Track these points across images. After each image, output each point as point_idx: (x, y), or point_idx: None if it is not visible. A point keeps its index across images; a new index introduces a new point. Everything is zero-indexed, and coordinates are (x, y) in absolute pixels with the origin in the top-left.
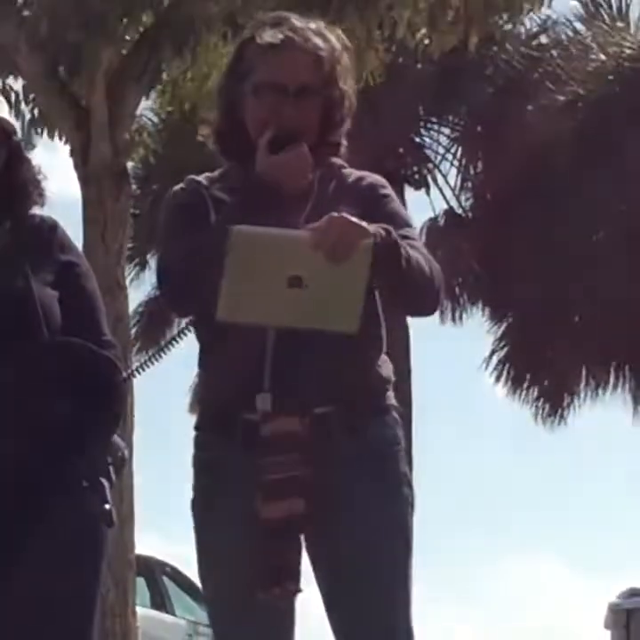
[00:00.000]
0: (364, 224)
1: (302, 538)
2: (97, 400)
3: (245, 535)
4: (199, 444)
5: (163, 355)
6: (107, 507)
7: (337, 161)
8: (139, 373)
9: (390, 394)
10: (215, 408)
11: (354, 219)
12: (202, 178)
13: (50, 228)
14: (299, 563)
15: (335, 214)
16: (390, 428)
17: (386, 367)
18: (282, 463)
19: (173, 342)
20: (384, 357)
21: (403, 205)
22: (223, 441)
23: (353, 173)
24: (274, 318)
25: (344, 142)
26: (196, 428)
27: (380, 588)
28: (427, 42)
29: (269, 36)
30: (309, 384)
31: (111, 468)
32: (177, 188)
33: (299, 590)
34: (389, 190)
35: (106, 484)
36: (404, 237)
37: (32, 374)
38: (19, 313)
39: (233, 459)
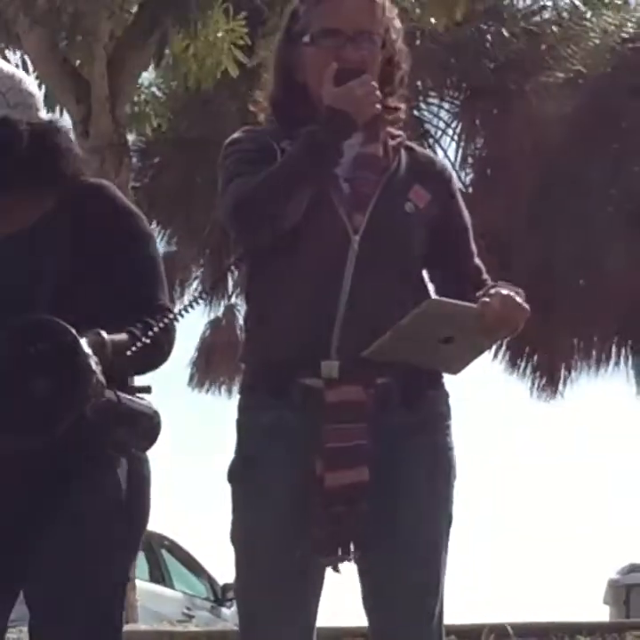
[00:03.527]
0: (525, 307)
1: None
2: (76, 380)
3: (297, 501)
4: (249, 406)
5: (203, 299)
6: (107, 478)
7: (395, 131)
8: (182, 316)
9: None
10: (274, 370)
11: (522, 302)
12: (259, 129)
13: (98, 193)
14: (363, 529)
15: (511, 295)
16: (443, 402)
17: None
18: (349, 431)
19: (179, 316)
20: None
21: None
22: (281, 404)
23: (417, 149)
24: (412, 360)
25: (402, 106)
26: (248, 387)
27: (417, 563)
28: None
29: None
30: None
31: (133, 440)
32: (235, 135)
33: (359, 555)
34: (455, 181)
35: (117, 456)
36: (474, 255)
37: (19, 355)
38: (26, 288)
39: (290, 423)
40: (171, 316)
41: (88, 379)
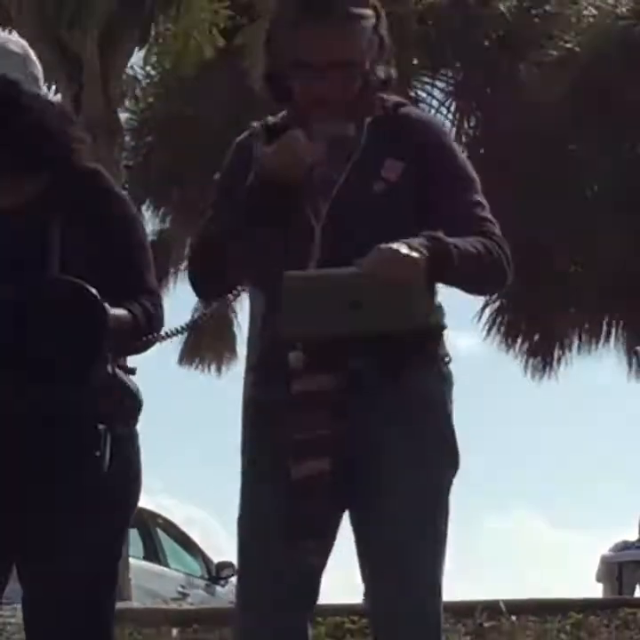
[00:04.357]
0: (410, 254)
1: (332, 495)
2: (87, 342)
3: (279, 490)
4: (250, 383)
5: (195, 326)
6: (97, 454)
7: (392, 100)
8: (166, 338)
9: (437, 343)
10: (261, 357)
11: (402, 249)
12: (260, 126)
13: (91, 175)
14: (325, 521)
15: (382, 249)
16: (430, 380)
17: (434, 314)
18: (311, 422)
19: (200, 319)
20: (436, 304)
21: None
22: (267, 389)
23: (409, 115)
24: (339, 330)
25: (393, 73)
26: (249, 369)
27: (408, 557)
28: None
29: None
30: (342, 339)
31: (119, 415)
32: (238, 139)
33: (323, 548)
34: (447, 138)
35: (103, 429)
36: (472, 204)
37: (25, 315)
38: (36, 263)
39: (274, 409)
40: (167, 331)
41: (109, 327)
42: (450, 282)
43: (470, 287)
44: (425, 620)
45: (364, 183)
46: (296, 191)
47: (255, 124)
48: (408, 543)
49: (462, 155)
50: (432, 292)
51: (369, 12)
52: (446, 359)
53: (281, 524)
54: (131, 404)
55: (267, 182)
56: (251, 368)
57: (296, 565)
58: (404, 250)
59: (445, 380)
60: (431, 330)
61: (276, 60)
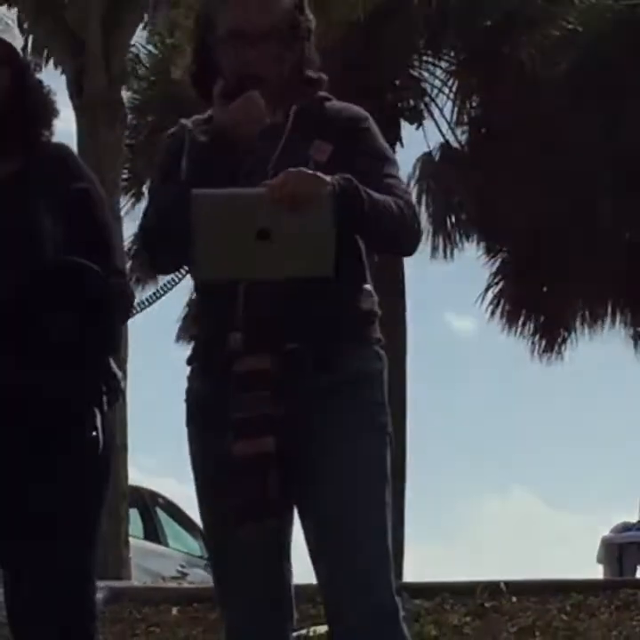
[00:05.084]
0: (320, 174)
1: (278, 474)
2: (94, 322)
3: (221, 471)
4: (189, 377)
5: (162, 296)
6: (94, 434)
7: (320, 94)
8: (139, 311)
9: (371, 328)
10: (199, 344)
11: (309, 171)
12: (189, 121)
13: (62, 155)
14: (273, 499)
15: (291, 169)
16: (367, 360)
17: (366, 300)
18: (252, 401)
19: (170, 285)
20: (366, 290)
21: (397, 138)
22: (206, 377)
23: (334, 106)
24: (250, 272)
25: (323, 76)
26: (187, 361)
27: (354, 529)
28: None
29: None
30: (279, 321)
31: (105, 398)
32: (169, 132)
33: (275, 525)
34: (370, 123)
35: (96, 411)
36: (387, 176)
37: (31, 294)
38: (20, 240)
39: (213, 396)
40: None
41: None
42: (359, 227)
43: (379, 240)
44: (372, 591)
45: (296, 164)
46: (246, 149)
47: (183, 120)
48: (351, 516)
49: (382, 138)
50: (339, 240)
51: None
52: (381, 343)
53: (226, 505)
54: (116, 385)
55: (220, 137)
56: (188, 361)
57: (257, 544)
58: (311, 171)
59: (381, 360)
60: (363, 313)
61: (207, 39)
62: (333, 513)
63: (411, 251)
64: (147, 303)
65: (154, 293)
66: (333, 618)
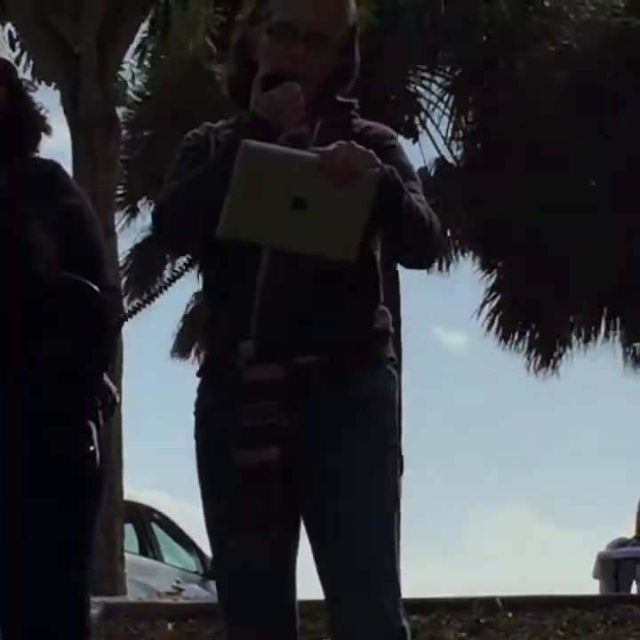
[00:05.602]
0: (371, 152)
1: (283, 485)
2: (91, 338)
3: (225, 482)
4: (198, 388)
5: (154, 300)
6: (91, 449)
7: (347, 110)
8: (130, 317)
9: (385, 347)
10: (210, 354)
11: (362, 148)
12: (216, 124)
13: (52, 171)
14: (274, 511)
15: (343, 142)
16: (381, 380)
17: (381, 319)
18: (258, 410)
19: (165, 288)
20: (381, 309)
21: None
22: (215, 387)
23: (361, 123)
24: (274, 239)
25: (354, 101)
26: (197, 373)
27: (366, 549)
28: None
29: None
30: (293, 333)
31: (100, 412)
32: (189, 133)
33: (277, 538)
34: (396, 142)
35: (92, 426)
36: (410, 190)
37: (28, 310)
38: (14, 255)
39: (221, 405)
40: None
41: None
42: (391, 220)
43: (404, 240)
44: (385, 618)
45: None
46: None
47: (209, 123)
48: (365, 543)
49: (407, 157)
50: (369, 231)
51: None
52: (393, 362)
53: (243, 517)
54: (111, 400)
55: (256, 122)
56: (198, 372)
57: (261, 554)
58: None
59: (393, 380)
60: (378, 332)
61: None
62: (346, 529)
63: (427, 263)
64: (138, 308)
65: (145, 299)
66: (342, 634)
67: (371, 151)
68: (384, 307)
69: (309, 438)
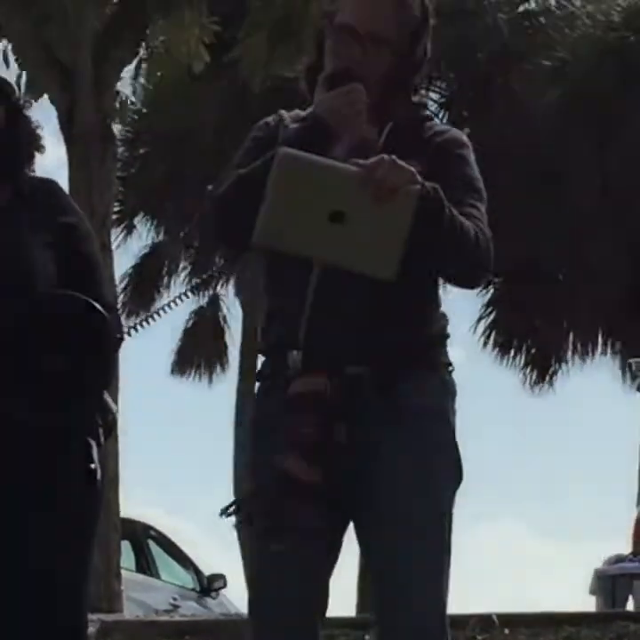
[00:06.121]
0: (413, 170)
1: (330, 503)
2: (90, 356)
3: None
4: (256, 393)
5: (154, 319)
6: (92, 466)
7: (422, 112)
8: (129, 335)
9: (440, 351)
10: (265, 361)
11: (404, 163)
12: (288, 114)
13: (49, 189)
14: (303, 525)
15: (385, 156)
16: (434, 391)
17: (437, 323)
18: (299, 423)
19: (166, 309)
20: (438, 313)
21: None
22: (267, 396)
23: (434, 127)
24: (311, 250)
25: (424, 100)
26: (256, 377)
27: (414, 571)
28: None
29: None
30: (342, 342)
31: (100, 430)
32: (261, 121)
33: (304, 550)
34: (466, 150)
35: (93, 443)
36: (470, 205)
37: (28, 327)
38: (14, 272)
39: (272, 417)
40: (160, 309)
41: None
42: (431, 238)
43: (446, 259)
44: (427, 635)
45: None
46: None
47: (282, 111)
48: (415, 557)
49: (477, 170)
50: (410, 246)
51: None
52: (450, 368)
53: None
54: (111, 419)
55: (317, 122)
56: (256, 377)
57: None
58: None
59: (448, 390)
60: (434, 337)
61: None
62: (398, 557)
63: (473, 283)
64: (141, 325)
65: (145, 317)
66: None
67: (412, 168)
68: (442, 310)
69: (355, 453)
